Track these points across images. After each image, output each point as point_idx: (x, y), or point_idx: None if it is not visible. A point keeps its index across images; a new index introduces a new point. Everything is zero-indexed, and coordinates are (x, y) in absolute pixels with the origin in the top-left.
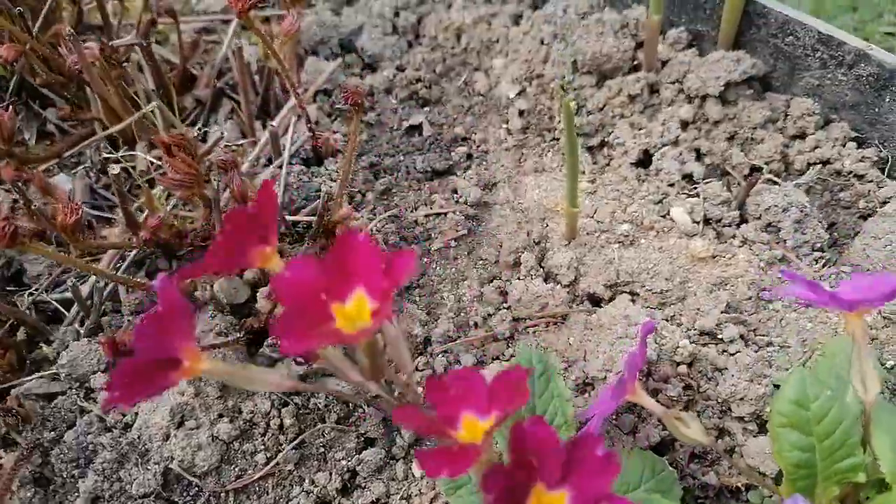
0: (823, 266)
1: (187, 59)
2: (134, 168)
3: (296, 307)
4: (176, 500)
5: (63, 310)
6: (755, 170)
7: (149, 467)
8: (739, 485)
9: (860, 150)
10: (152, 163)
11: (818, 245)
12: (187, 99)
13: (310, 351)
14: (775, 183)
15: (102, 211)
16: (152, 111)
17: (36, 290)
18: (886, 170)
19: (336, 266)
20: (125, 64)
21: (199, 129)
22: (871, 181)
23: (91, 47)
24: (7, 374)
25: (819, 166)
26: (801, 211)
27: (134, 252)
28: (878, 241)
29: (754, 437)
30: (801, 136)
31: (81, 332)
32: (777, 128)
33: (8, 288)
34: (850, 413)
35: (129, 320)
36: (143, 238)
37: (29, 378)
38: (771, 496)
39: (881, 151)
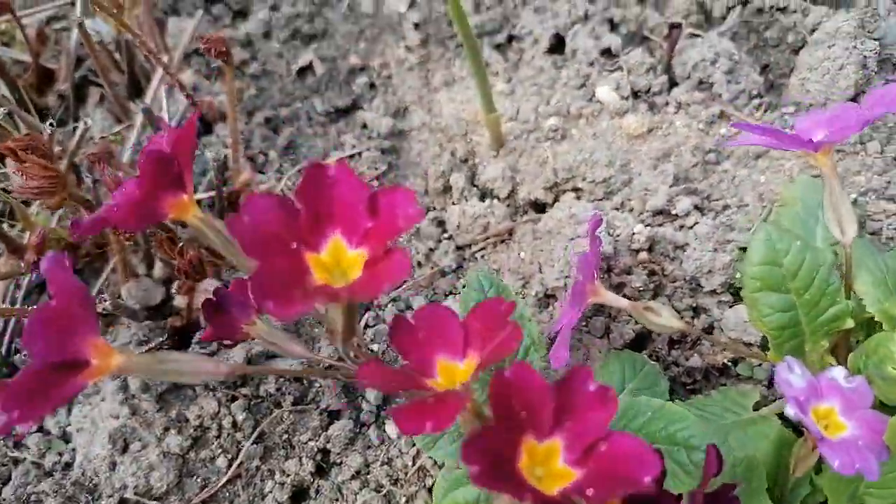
0: (765, 112)
1: (38, 53)
2: (5, 189)
3: (266, 261)
4: None
5: None
6: (675, 27)
7: (102, 503)
8: (725, 361)
9: None
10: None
11: (755, 91)
12: (49, 98)
13: (296, 315)
14: (697, 36)
15: None
16: (8, 117)
17: None
18: None
19: (306, 206)
20: None
21: (72, 128)
22: (795, 11)
23: None
24: None
25: (739, 8)
26: (731, 59)
27: (28, 278)
28: (815, 72)
29: (730, 307)
30: None
31: None
32: None
33: None
34: (825, 259)
35: None
36: (30, 261)
37: None
38: (759, 364)
39: None
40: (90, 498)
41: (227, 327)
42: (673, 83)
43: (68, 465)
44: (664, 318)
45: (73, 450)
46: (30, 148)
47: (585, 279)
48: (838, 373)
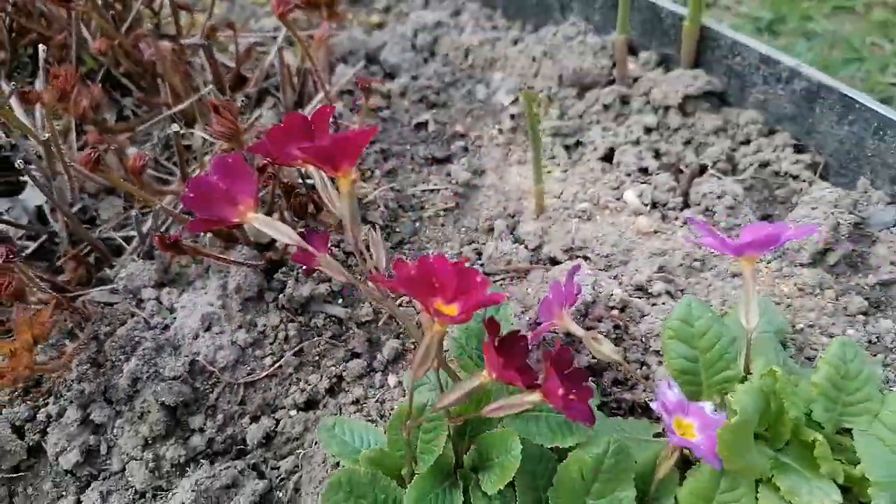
0: None
1: (241, 62)
2: (191, 146)
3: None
4: (197, 385)
5: (125, 244)
6: (704, 168)
7: (179, 358)
8: (647, 401)
9: (797, 155)
10: (205, 140)
11: None
12: (238, 96)
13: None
14: (719, 178)
15: (163, 176)
16: (209, 94)
17: (104, 229)
18: (818, 171)
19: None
20: (191, 60)
21: (247, 119)
22: (805, 181)
23: (164, 46)
24: (78, 285)
25: (757, 165)
26: (735, 199)
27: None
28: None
29: (660, 364)
30: (747, 142)
31: (137, 260)
32: (727, 135)
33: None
34: (728, 333)
35: None
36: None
37: (94, 290)
38: None
39: (816, 156)
40: (173, 351)
41: (308, 256)
42: (686, 205)
43: (167, 327)
44: (604, 348)
45: (174, 317)
46: (225, 107)
47: (555, 302)
48: (707, 405)
